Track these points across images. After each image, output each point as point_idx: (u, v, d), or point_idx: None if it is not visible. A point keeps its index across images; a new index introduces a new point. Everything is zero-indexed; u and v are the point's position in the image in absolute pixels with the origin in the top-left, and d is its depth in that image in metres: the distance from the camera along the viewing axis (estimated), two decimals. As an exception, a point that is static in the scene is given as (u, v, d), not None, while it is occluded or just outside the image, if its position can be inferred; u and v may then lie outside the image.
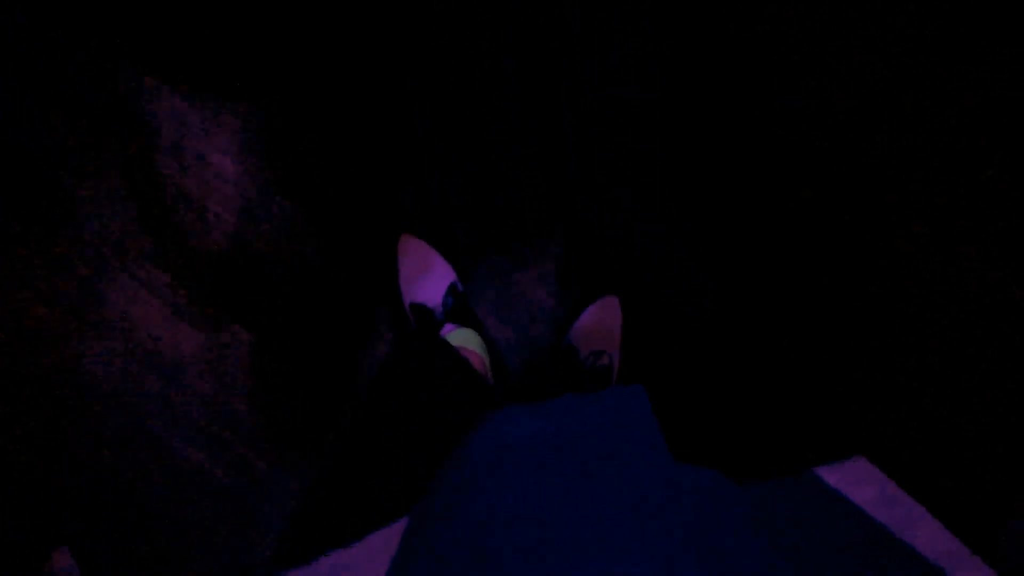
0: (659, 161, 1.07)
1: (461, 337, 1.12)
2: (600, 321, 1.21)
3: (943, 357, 1.05)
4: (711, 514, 0.51)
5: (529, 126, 1.08)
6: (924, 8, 1.01)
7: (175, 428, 1.09)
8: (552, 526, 0.47)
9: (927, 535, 0.58)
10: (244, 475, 1.10)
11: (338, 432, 1.11)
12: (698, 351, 1.09)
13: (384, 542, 0.55)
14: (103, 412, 1.08)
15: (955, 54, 1.03)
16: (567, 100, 1.08)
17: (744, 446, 1.08)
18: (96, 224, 1.07)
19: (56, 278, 1.07)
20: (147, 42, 1.06)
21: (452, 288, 1.18)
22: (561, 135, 1.08)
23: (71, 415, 1.08)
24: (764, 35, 1.05)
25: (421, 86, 1.08)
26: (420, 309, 1.16)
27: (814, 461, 1.05)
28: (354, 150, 1.08)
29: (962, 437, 1.05)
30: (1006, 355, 1.04)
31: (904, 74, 1.04)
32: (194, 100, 1.07)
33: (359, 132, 1.09)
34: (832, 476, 0.67)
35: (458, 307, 1.17)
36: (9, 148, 1.07)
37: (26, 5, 1.05)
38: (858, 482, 0.66)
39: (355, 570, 0.53)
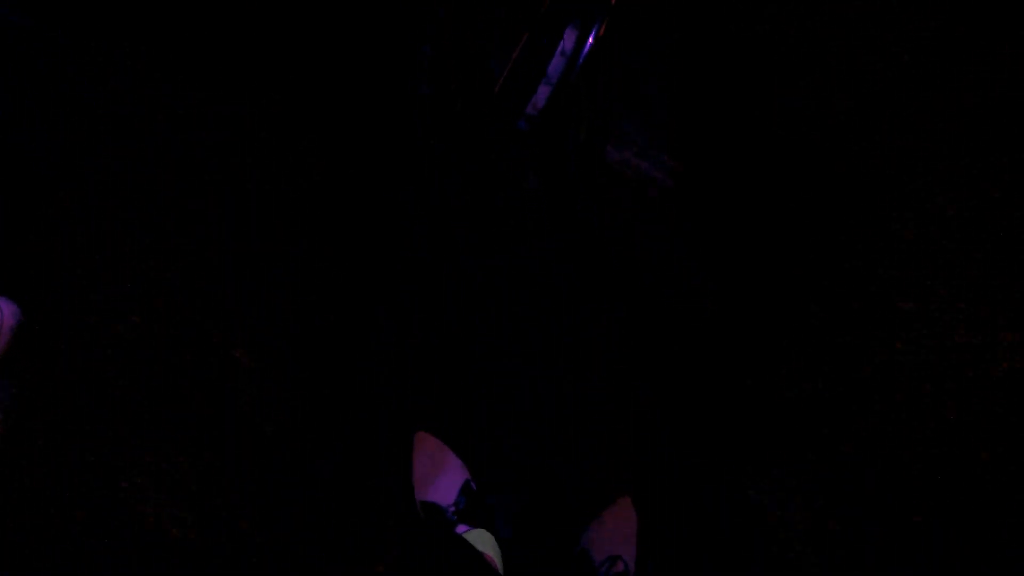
0: (658, 161, 1.07)
1: (475, 539, 1.11)
2: (615, 524, 1.20)
3: (943, 357, 1.06)
4: None
5: (529, 125, 1.08)
6: (924, 8, 1.02)
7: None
8: None
9: None
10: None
11: None
12: (698, 351, 1.09)
13: None
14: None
15: (955, 54, 1.03)
16: (567, 100, 1.08)
17: (744, 445, 1.08)
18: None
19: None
20: (148, 42, 1.06)
21: (466, 487, 1.19)
22: (562, 135, 1.08)
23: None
24: (764, 35, 1.05)
25: (421, 87, 1.08)
26: (432, 508, 1.16)
27: (813, 460, 1.06)
28: (354, 150, 1.08)
29: (962, 437, 1.05)
30: (1006, 355, 1.04)
31: (904, 74, 1.04)
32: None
33: (359, 132, 1.09)
34: None
35: (471, 507, 1.17)
36: (9, 148, 1.07)
37: (26, 5, 1.05)
38: None
39: None
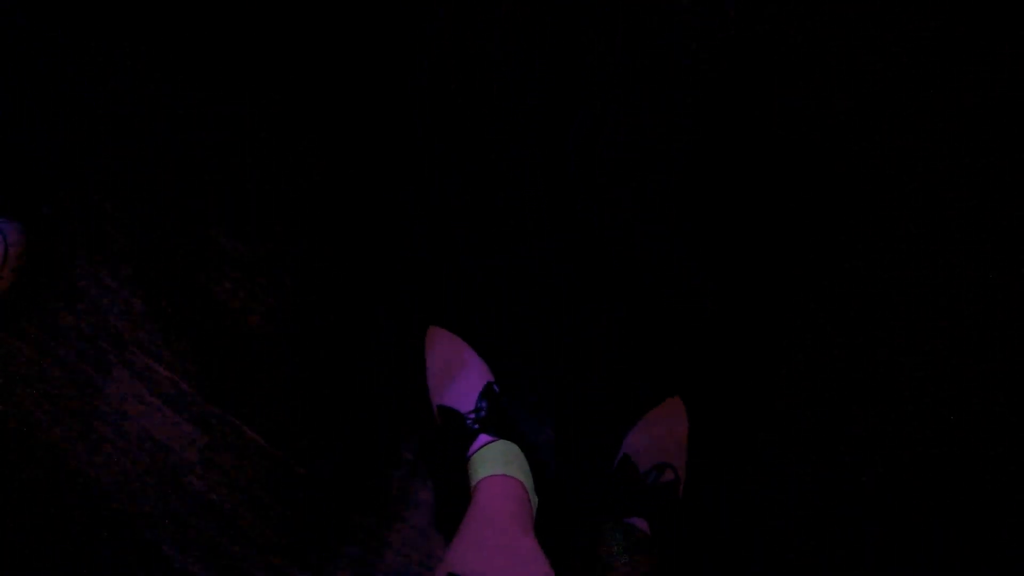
0: (659, 161, 1.07)
1: (499, 453, 0.96)
2: (664, 429, 1.07)
3: (943, 358, 1.05)
4: None
5: (529, 126, 1.08)
6: (924, 8, 1.01)
7: (172, 536, 1.06)
8: None
9: None
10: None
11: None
12: (698, 351, 1.09)
13: None
14: (97, 513, 1.07)
15: (955, 54, 1.03)
16: (568, 101, 1.08)
17: (745, 444, 1.08)
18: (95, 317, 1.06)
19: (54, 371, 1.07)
20: (148, 42, 1.06)
21: (488, 391, 1.04)
22: (561, 135, 1.08)
23: (65, 515, 1.07)
24: (764, 35, 1.05)
25: (421, 86, 1.08)
26: (450, 414, 1.02)
27: (814, 460, 1.06)
28: (354, 150, 1.08)
29: (962, 437, 1.05)
30: (1006, 355, 1.04)
31: (904, 74, 1.04)
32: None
33: (359, 132, 1.09)
34: None
35: (494, 413, 1.02)
36: (9, 148, 1.06)
37: (26, 5, 1.05)
38: None
39: None
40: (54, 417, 1.06)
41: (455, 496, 1.01)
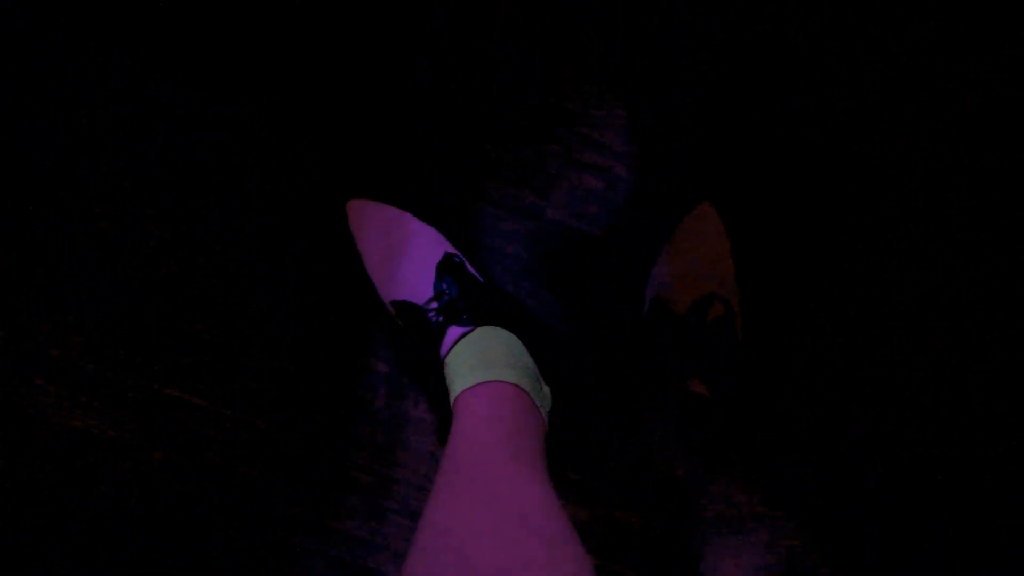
0: (659, 161, 1.07)
1: (476, 349, 0.69)
2: (698, 248, 0.81)
3: (944, 358, 1.05)
4: None
5: (529, 126, 1.08)
6: (924, 8, 1.01)
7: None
8: None
9: None
10: None
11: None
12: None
13: None
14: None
15: (955, 54, 1.02)
16: (567, 100, 1.07)
17: (744, 445, 1.07)
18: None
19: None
20: (148, 42, 1.06)
21: (447, 264, 0.78)
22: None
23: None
24: (764, 35, 1.05)
25: (421, 86, 1.07)
26: (406, 309, 0.77)
27: (814, 460, 1.05)
28: (354, 150, 1.08)
29: (962, 437, 1.05)
30: (1006, 355, 1.04)
31: (904, 74, 1.04)
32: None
33: (358, 132, 1.08)
34: None
35: (463, 292, 0.74)
36: (9, 148, 1.06)
37: (26, 5, 1.05)
38: None
39: None
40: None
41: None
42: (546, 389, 0.71)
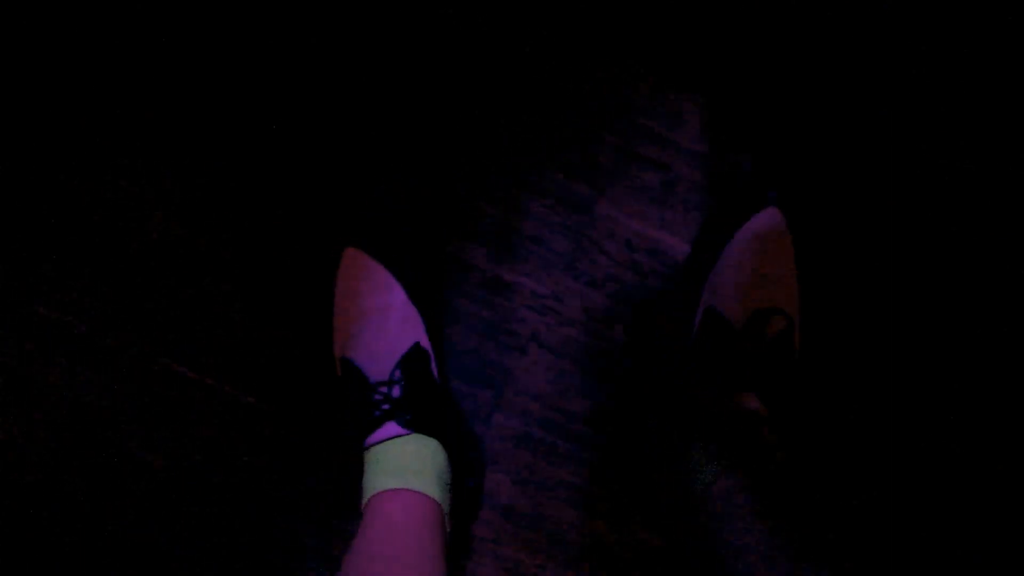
0: (723, 159, 1.05)
1: (407, 456, 0.69)
2: (761, 255, 0.76)
3: (944, 358, 1.07)
4: None
5: (588, 113, 1.02)
6: (924, 8, 1.03)
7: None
8: None
9: None
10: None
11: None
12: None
13: None
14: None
15: (955, 54, 1.04)
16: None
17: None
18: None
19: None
20: (146, 42, 0.98)
21: (414, 355, 0.74)
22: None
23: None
24: (765, 35, 1.05)
25: (421, 84, 1.01)
26: (353, 374, 0.74)
27: (816, 461, 1.05)
28: (354, 149, 1.01)
29: (962, 436, 1.06)
30: (1006, 355, 1.06)
31: (904, 74, 1.06)
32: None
33: (359, 131, 1.01)
34: None
35: (415, 393, 0.72)
36: (9, 148, 0.98)
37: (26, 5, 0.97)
38: None
39: None
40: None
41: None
42: (448, 520, 0.72)
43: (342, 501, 0.87)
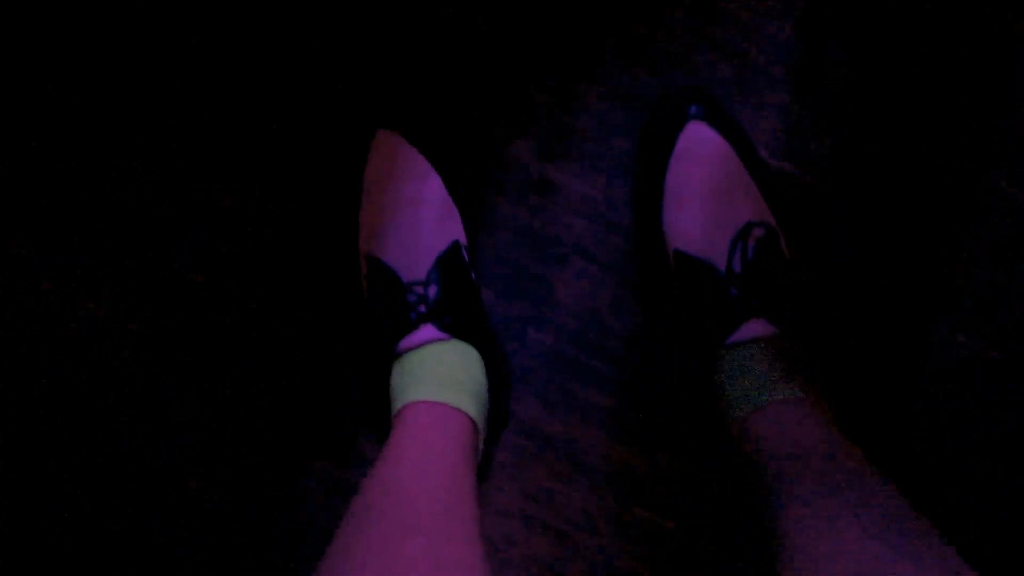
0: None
1: (444, 363, 0.64)
2: (709, 176, 0.69)
3: (944, 357, 1.06)
4: None
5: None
6: (924, 8, 1.07)
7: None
8: None
9: None
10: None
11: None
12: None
13: None
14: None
15: (955, 54, 1.09)
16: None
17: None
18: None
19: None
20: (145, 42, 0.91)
21: (452, 255, 0.68)
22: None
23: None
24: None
25: (419, 83, 0.97)
26: (383, 274, 0.67)
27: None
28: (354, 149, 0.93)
29: (961, 436, 1.05)
30: (1006, 355, 1.06)
31: (904, 73, 1.09)
32: None
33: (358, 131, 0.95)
34: None
35: (453, 295, 0.67)
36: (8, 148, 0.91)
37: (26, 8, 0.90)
38: None
39: None
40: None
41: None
42: (483, 433, 0.68)
43: (342, 501, 0.81)
